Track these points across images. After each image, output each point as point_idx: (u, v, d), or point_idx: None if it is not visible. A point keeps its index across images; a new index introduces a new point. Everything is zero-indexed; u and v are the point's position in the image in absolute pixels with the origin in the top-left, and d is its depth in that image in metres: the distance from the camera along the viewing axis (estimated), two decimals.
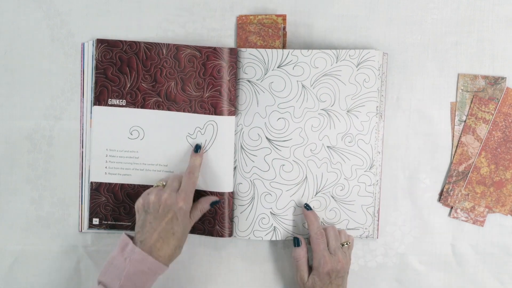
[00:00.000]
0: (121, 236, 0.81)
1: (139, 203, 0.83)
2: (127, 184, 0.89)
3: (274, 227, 0.89)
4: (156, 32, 0.90)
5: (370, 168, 0.89)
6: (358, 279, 0.92)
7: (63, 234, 0.91)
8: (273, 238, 0.90)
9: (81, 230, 0.90)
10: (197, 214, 0.85)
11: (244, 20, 0.90)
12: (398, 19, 0.91)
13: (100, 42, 0.87)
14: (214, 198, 0.87)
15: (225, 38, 0.91)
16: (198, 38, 0.90)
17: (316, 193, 0.89)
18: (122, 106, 0.88)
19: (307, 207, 0.87)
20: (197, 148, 0.86)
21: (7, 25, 0.91)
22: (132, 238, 0.81)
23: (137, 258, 0.77)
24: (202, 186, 0.88)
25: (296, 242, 0.86)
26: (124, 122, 0.88)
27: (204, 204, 0.86)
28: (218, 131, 0.87)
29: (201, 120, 0.87)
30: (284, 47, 0.90)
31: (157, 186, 0.84)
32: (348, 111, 0.88)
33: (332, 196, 0.89)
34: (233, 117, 0.88)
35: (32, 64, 0.91)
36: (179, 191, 0.82)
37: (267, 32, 0.89)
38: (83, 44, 0.89)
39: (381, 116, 0.90)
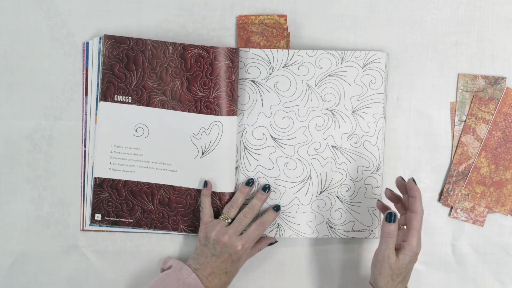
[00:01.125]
0: (172, 259, 0.86)
1: (200, 233, 0.86)
2: (131, 181, 0.89)
3: (278, 224, 0.90)
4: (156, 32, 0.90)
5: (377, 170, 0.89)
6: (358, 279, 0.92)
7: (63, 234, 0.91)
8: (277, 236, 0.90)
9: (83, 229, 0.90)
10: (254, 253, 0.89)
11: (244, 20, 0.90)
12: (398, 19, 0.91)
13: (108, 38, 0.87)
14: (272, 240, 0.90)
15: (225, 38, 0.91)
16: (198, 38, 0.90)
17: (321, 192, 0.89)
18: (128, 103, 0.88)
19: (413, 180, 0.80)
20: (277, 209, 0.88)
21: (7, 25, 0.90)
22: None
23: (191, 283, 0.81)
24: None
25: (390, 217, 0.78)
26: (130, 119, 0.88)
27: (263, 245, 0.89)
28: (223, 131, 0.87)
29: (206, 120, 0.87)
30: (288, 47, 0.90)
31: (223, 220, 0.86)
32: (353, 112, 0.88)
33: (337, 197, 0.89)
34: (236, 117, 0.88)
35: (32, 64, 0.91)
36: (243, 235, 0.85)
37: (271, 32, 0.89)
38: (86, 43, 0.89)
39: (383, 116, 0.90)
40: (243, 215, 0.86)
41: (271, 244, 0.90)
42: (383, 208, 0.86)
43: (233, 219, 0.87)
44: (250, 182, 0.88)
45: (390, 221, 0.78)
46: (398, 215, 0.81)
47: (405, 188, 0.82)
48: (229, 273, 0.84)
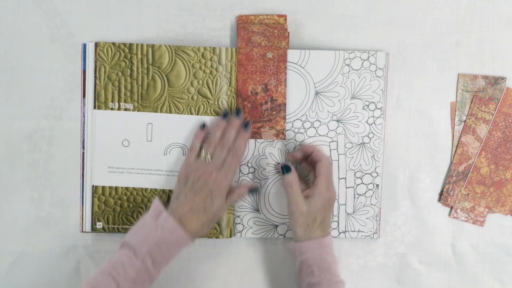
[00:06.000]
0: (154, 200, 0.82)
1: (181, 173, 0.84)
2: (131, 188, 0.88)
3: (276, 225, 0.90)
4: (156, 32, 0.90)
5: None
6: (358, 279, 0.92)
7: (63, 234, 0.91)
8: (271, 235, 0.90)
9: (83, 230, 0.90)
10: (234, 198, 0.85)
11: (244, 20, 0.90)
12: (398, 19, 0.91)
13: (101, 45, 0.87)
14: (252, 186, 0.88)
15: (225, 38, 0.91)
16: (198, 38, 0.90)
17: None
18: (125, 109, 0.87)
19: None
20: (246, 125, 0.86)
21: (7, 25, 0.90)
22: (165, 205, 0.82)
23: (169, 228, 0.78)
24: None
25: (285, 169, 0.84)
26: (127, 125, 0.87)
27: (243, 190, 0.86)
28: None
29: (211, 122, 0.87)
30: (287, 47, 0.90)
31: (203, 159, 0.83)
32: None
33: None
34: None
35: (32, 64, 0.91)
36: (222, 169, 0.83)
37: (273, 32, 0.88)
38: (84, 45, 0.89)
39: (382, 116, 0.90)
40: (220, 148, 0.84)
41: (252, 191, 0.88)
42: (294, 159, 0.89)
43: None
44: (226, 114, 0.86)
45: (285, 172, 0.83)
46: (292, 166, 0.85)
47: (304, 157, 0.87)
48: (208, 211, 0.81)
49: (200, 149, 0.85)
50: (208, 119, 0.87)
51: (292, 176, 0.83)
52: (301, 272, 0.82)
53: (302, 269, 0.82)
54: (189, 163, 0.84)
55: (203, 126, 0.86)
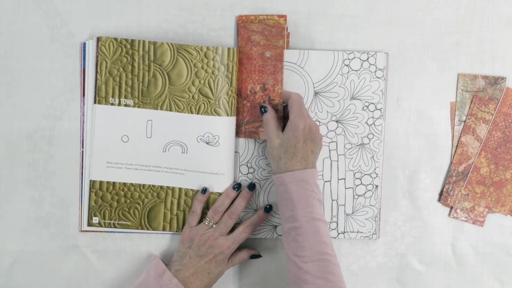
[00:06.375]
0: (154, 259, 0.86)
1: (185, 235, 0.86)
2: (128, 184, 0.89)
3: (276, 226, 0.90)
4: (156, 32, 0.90)
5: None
6: (358, 279, 0.92)
7: (63, 234, 0.91)
8: (272, 236, 0.90)
9: (81, 229, 0.90)
10: (235, 262, 0.88)
11: (244, 20, 0.90)
12: (398, 19, 0.91)
13: (103, 40, 0.87)
14: (255, 252, 0.89)
15: (225, 38, 0.91)
16: (198, 38, 0.90)
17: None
18: (125, 105, 0.87)
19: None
20: (268, 210, 0.88)
21: (7, 25, 0.90)
22: (166, 264, 0.85)
23: None
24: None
25: (263, 109, 0.86)
26: (127, 121, 0.87)
27: (245, 255, 0.88)
28: (227, 132, 0.87)
29: (211, 121, 0.87)
30: (287, 47, 0.90)
31: (207, 225, 0.85)
32: None
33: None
34: (235, 117, 0.88)
35: (32, 64, 0.91)
36: (229, 236, 0.85)
37: (271, 31, 0.88)
38: (83, 44, 0.89)
39: (381, 117, 0.90)
40: (227, 217, 0.86)
41: (254, 257, 0.89)
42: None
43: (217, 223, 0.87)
44: (236, 187, 0.87)
45: (263, 113, 0.85)
46: (268, 106, 0.86)
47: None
48: (211, 274, 0.84)
49: (202, 213, 0.88)
50: (209, 118, 0.87)
51: (269, 115, 0.85)
52: (281, 206, 0.82)
53: (281, 202, 0.81)
54: (192, 227, 0.86)
55: (204, 190, 0.87)
